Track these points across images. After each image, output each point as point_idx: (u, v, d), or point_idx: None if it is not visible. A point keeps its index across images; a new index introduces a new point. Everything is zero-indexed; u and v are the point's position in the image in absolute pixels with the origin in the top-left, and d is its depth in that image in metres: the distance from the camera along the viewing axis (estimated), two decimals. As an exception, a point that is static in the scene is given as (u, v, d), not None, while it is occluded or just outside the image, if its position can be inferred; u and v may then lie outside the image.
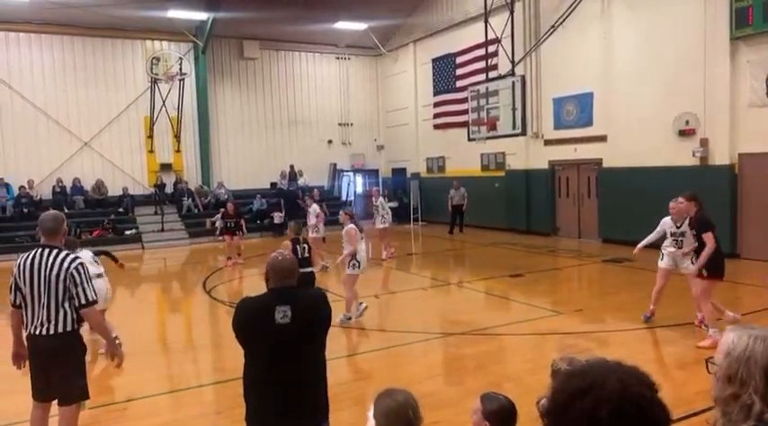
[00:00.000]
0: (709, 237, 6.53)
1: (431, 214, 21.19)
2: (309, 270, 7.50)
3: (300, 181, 22.17)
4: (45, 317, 3.91)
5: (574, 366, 2.16)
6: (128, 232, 18.50)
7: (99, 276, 6.79)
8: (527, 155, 17.28)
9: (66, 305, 3.93)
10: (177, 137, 20.66)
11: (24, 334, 4.06)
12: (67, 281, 3.90)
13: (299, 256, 7.29)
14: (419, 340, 7.51)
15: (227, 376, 6.05)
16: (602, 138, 14.95)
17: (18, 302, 4.00)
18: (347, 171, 24.42)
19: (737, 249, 12.12)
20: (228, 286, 12.02)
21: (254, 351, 2.89)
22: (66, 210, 18.45)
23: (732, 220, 12.14)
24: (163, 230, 18.94)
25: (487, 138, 15.43)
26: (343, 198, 23.63)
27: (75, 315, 3.97)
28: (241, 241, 14.91)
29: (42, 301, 3.90)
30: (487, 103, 15.10)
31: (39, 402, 4.06)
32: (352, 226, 8.18)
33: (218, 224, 16.38)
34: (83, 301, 3.94)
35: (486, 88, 15.31)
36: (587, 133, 15.41)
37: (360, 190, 25.35)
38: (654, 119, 13.42)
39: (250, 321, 2.89)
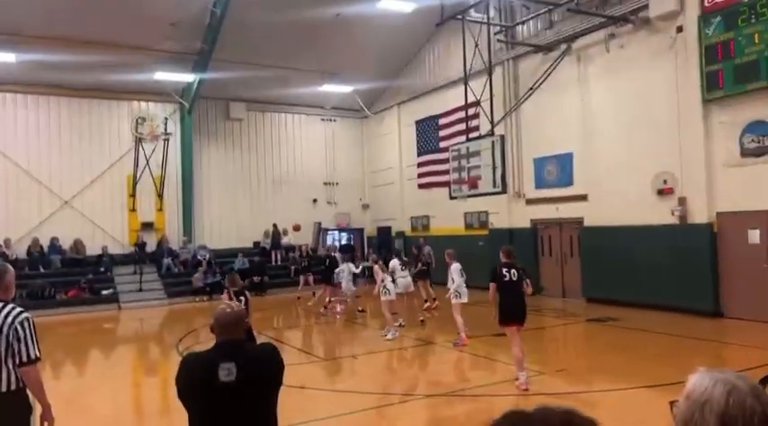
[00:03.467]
0: (490, 286, 7.56)
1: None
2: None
3: (284, 240, 22.01)
4: None
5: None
6: (104, 292, 18.02)
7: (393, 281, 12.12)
8: (509, 214, 17.35)
9: (9, 362, 3.66)
10: (160, 196, 20.58)
11: None
12: (10, 337, 3.66)
13: None
14: (398, 401, 7.22)
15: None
16: (583, 198, 15.07)
17: None
18: (332, 229, 24.34)
19: (720, 308, 11.99)
20: (205, 346, 11.61)
21: (196, 412, 2.66)
22: (42, 270, 18.12)
23: (714, 278, 12.05)
24: (141, 290, 18.50)
25: (468, 196, 15.53)
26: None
27: (18, 374, 3.70)
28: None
29: None
30: (468, 163, 15.27)
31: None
32: (376, 266, 11.90)
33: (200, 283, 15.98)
34: (23, 358, 3.66)
35: (467, 148, 15.52)
36: (568, 192, 15.54)
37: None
38: (633, 179, 13.57)
39: (192, 379, 2.68)
